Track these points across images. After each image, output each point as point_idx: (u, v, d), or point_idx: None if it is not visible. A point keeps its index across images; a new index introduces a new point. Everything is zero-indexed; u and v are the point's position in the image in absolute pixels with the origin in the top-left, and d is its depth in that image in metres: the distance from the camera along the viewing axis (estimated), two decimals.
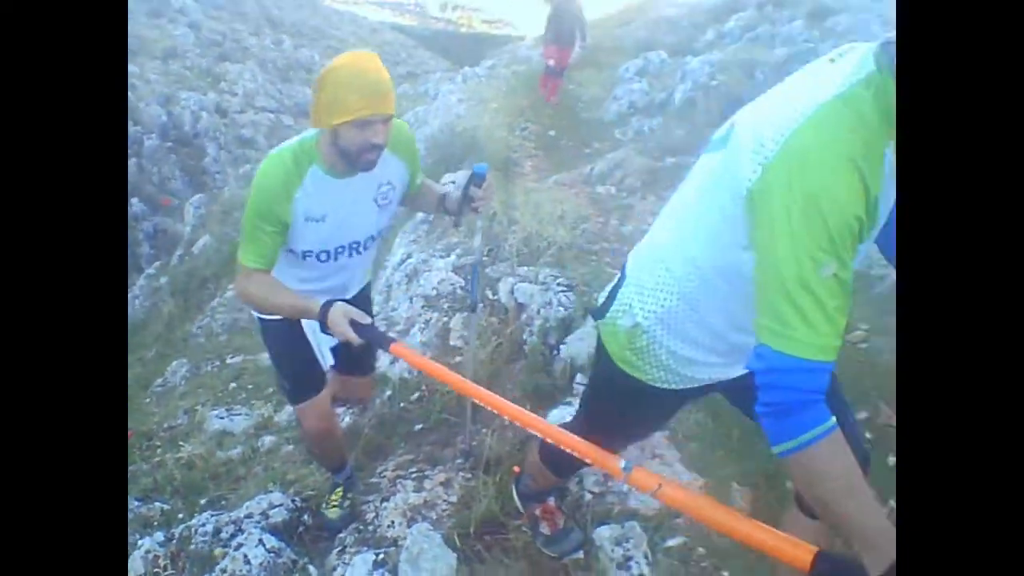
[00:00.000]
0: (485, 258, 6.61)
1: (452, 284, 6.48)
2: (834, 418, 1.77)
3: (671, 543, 3.61)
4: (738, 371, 2.50)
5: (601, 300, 2.64)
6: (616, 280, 2.60)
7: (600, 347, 2.66)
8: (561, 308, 5.42)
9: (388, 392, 5.33)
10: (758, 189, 1.82)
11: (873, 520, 1.71)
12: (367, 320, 3.17)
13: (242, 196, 14.74)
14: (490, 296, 6.09)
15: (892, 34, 1.72)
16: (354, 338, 3.09)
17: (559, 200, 7.94)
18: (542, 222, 6.92)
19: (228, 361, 8.12)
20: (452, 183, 8.21)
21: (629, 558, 3.44)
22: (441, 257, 7.02)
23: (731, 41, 17.38)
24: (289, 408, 5.83)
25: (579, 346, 4.89)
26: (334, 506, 4.14)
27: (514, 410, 2.81)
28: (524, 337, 5.43)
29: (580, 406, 3.19)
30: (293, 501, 4.23)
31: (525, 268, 6.26)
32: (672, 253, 2.28)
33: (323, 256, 3.44)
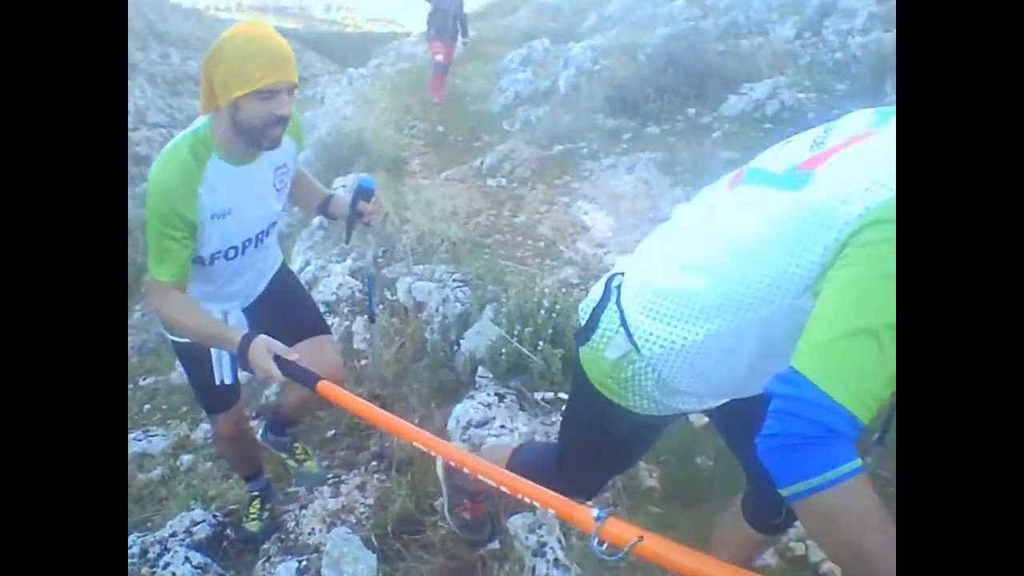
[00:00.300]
0: (380, 259, 6.68)
1: (351, 288, 6.52)
2: (859, 460, 1.50)
3: None
4: (722, 401, 2.40)
5: (583, 320, 2.39)
6: (599, 301, 2.33)
7: (578, 369, 2.43)
8: (458, 304, 5.50)
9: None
10: (854, 240, 1.62)
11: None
12: (293, 356, 2.91)
13: (141, 214, 14.47)
14: (389, 297, 6.16)
15: None
16: (278, 376, 2.87)
17: (450, 196, 8.01)
18: (434, 219, 7.00)
19: (141, 383, 8.05)
20: (343, 187, 8.24)
21: (543, 544, 3.48)
22: (338, 262, 7.05)
23: (613, 24, 17.62)
24: (205, 426, 5.84)
25: (477, 340, 4.97)
26: (253, 519, 4.11)
27: (461, 454, 2.55)
28: (425, 335, 5.50)
29: (559, 433, 3.01)
30: (215, 516, 4.24)
31: (421, 266, 6.33)
32: (705, 290, 1.99)
33: (231, 253, 3.22)
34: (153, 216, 2.89)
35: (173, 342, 3.49)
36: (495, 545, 3.61)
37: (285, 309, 3.65)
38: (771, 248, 1.83)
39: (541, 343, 4.59)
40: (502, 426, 4.24)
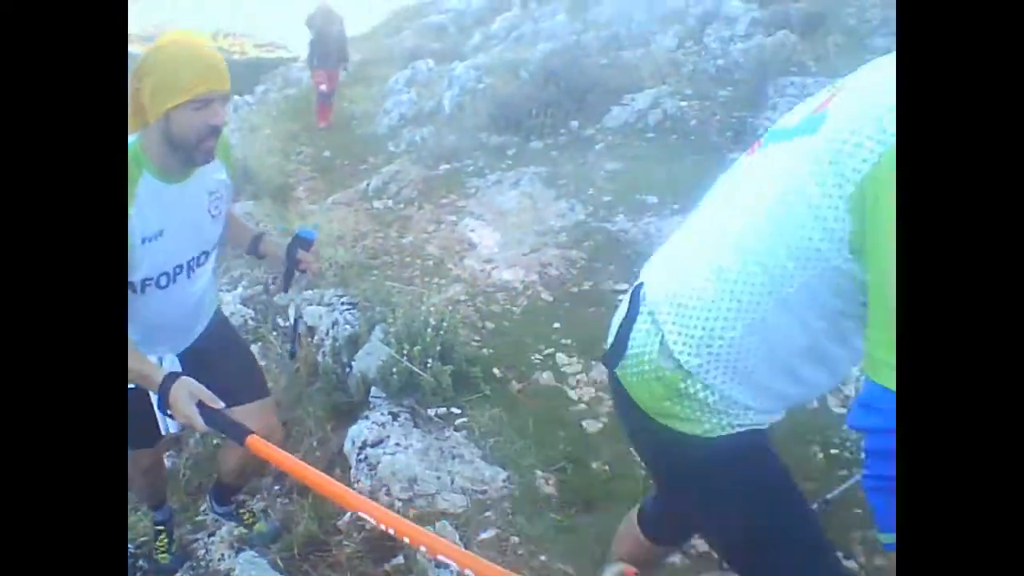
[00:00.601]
0: (272, 286, 6.71)
1: (243, 316, 6.50)
2: None
3: (484, 536, 3.74)
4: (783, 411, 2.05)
5: (609, 342, 2.15)
6: (624, 316, 2.10)
7: (624, 402, 2.09)
8: (348, 326, 5.53)
9: (196, 434, 5.34)
10: (874, 179, 1.47)
11: None
12: (219, 404, 2.67)
13: None
14: (281, 323, 6.19)
15: None
16: (199, 425, 2.63)
17: (337, 220, 8.06)
18: (322, 244, 6.98)
19: None
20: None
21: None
22: (229, 291, 7.04)
23: (497, 43, 17.76)
24: None
25: (368, 360, 5.01)
26: (163, 552, 4.06)
27: (422, 534, 2.18)
28: (318, 359, 5.54)
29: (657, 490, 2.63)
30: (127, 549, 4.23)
31: (311, 291, 6.36)
32: (735, 271, 1.79)
33: (163, 280, 2.99)
34: None
35: None
36: (399, 560, 3.64)
37: (222, 367, 3.36)
38: (794, 205, 1.65)
39: (430, 360, 4.67)
40: (396, 444, 4.29)
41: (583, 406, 4.82)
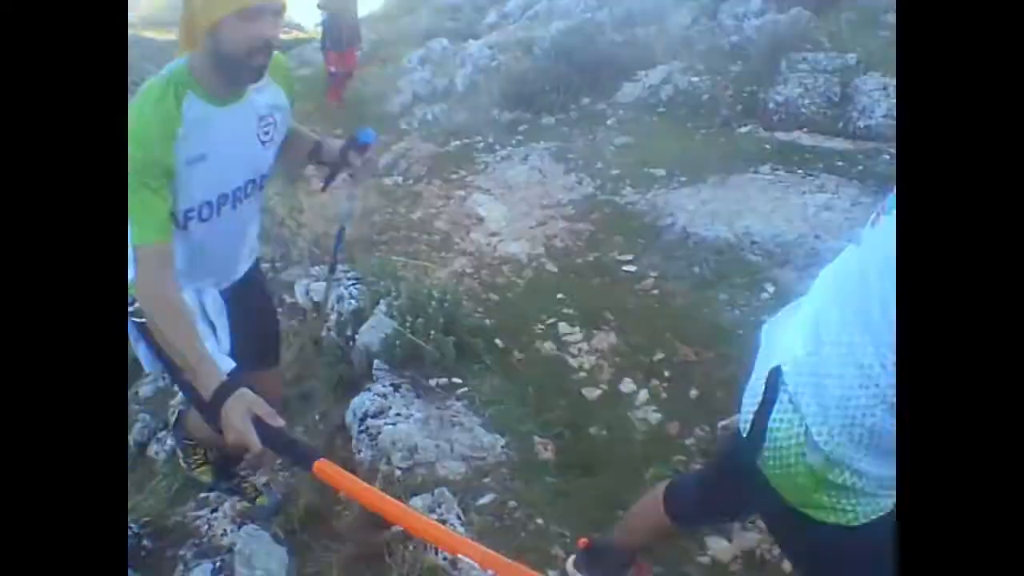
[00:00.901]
0: (278, 263, 6.74)
1: None
2: None
3: (482, 501, 3.77)
4: None
5: (745, 428, 2.07)
6: (761, 401, 2.02)
7: (763, 492, 2.04)
8: (353, 301, 5.57)
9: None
10: None
11: None
12: (279, 422, 2.36)
13: None
14: (287, 299, 6.22)
15: None
16: (255, 447, 2.29)
17: (343, 196, 8.03)
18: (329, 221, 7.02)
19: None
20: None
21: (444, 521, 3.54)
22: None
23: (512, 21, 17.70)
24: None
25: (372, 334, 5.05)
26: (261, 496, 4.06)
27: (459, 541, 2.14)
28: (322, 333, 5.58)
29: None
30: (131, 529, 4.26)
31: (317, 268, 6.40)
32: (876, 359, 1.70)
33: (205, 212, 2.81)
34: (132, 166, 2.40)
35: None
36: (399, 528, 3.66)
37: (253, 324, 3.30)
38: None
39: (433, 332, 4.70)
40: (398, 414, 4.32)
41: (583, 374, 4.85)
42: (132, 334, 3.03)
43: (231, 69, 2.61)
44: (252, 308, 3.37)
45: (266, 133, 2.92)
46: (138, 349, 3.10)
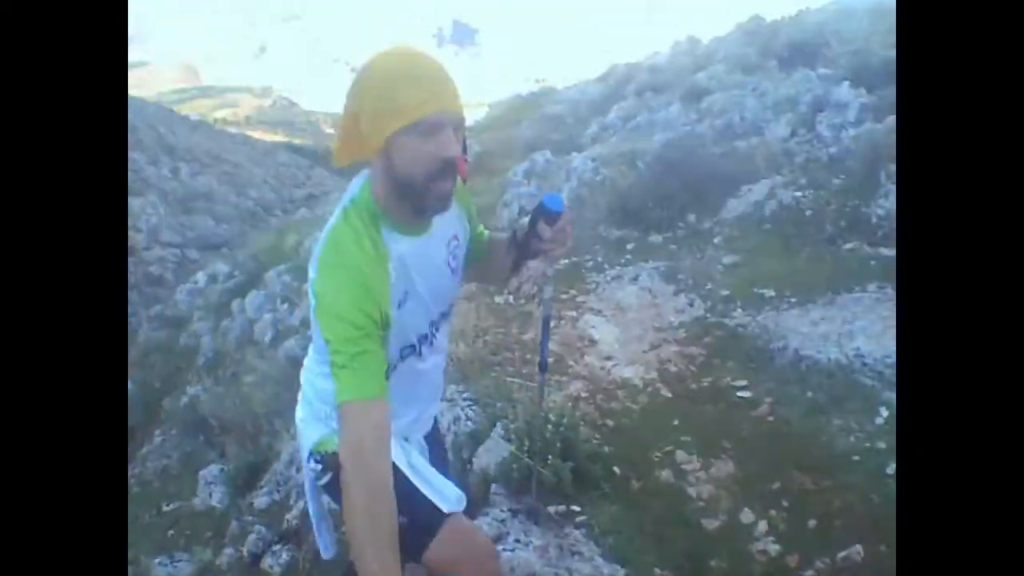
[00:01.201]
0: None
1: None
2: None
3: None
4: None
5: None
6: None
7: None
8: (470, 423, 5.64)
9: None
10: None
11: None
12: None
13: (157, 338, 14.69)
14: None
15: None
16: None
17: (458, 314, 8.18)
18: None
19: (164, 508, 8.20)
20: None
21: None
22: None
23: (613, 132, 17.91)
24: (230, 551, 5.97)
25: (488, 457, 5.12)
26: None
27: None
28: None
29: None
30: None
31: None
32: None
33: (406, 353, 2.57)
34: (340, 314, 2.16)
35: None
36: None
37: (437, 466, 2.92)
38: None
39: (551, 457, 4.73)
40: (516, 540, 4.33)
41: (701, 503, 4.84)
42: (314, 512, 2.86)
43: (412, 197, 2.29)
44: (439, 455, 3.14)
45: (454, 259, 2.65)
46: (319, 530, 2.91)
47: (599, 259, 9.84)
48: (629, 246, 10.18)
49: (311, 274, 2.29)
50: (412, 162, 2.18)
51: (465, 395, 6.07)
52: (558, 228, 2.52)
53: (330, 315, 2.18)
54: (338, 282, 2.22)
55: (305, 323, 10.39)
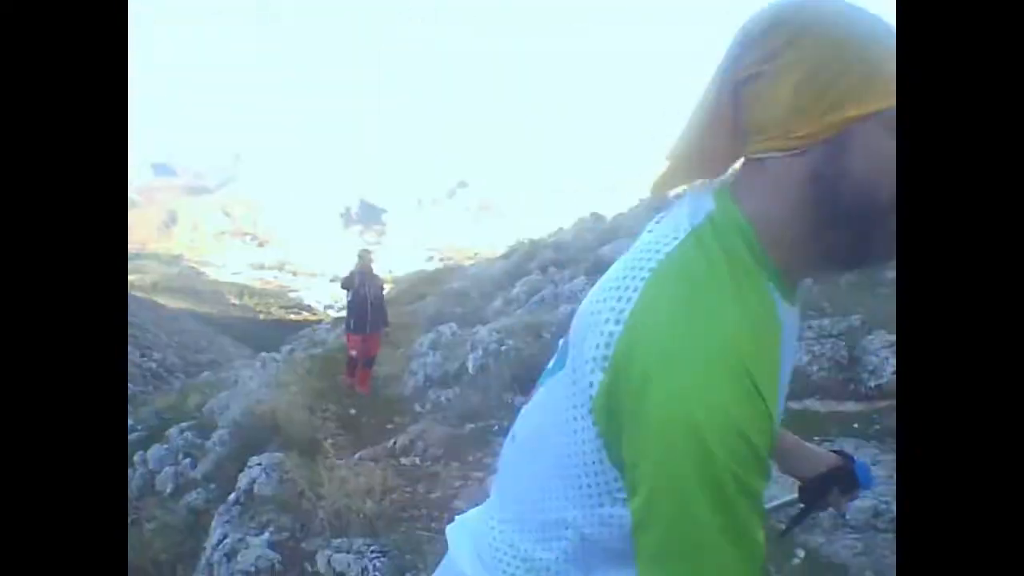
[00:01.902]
0: (299, 534, 6.80)
1: (270, 560, 6.56)
2: None
3: None
4: None
5: None
6: None
7: None
8: (377, 573, 5.58)
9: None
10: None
11: None
12: None
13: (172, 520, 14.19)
14: (308, 569, 6.23)
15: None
16: None
17: (365, 474, 8.15)
18: (350, 496, 7.11)
19: None
20: (258, 465, 8.39)
21: None
22: (256, 535, 7.11)
23: (517, 306, 18.13)
24: None
25: None
26: None
27: None
28: None
29: None
30: None
31: (339, 539, 6.41)
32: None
33: None
34: (739, 429, 1.20)
35: None
36: None
37: None
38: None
39: None
40: None
41: None
42: None
43: (850, 232, 1.32)
44: None
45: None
46: None
47: (504, 424, 9.86)
48: None
49: (603, 350, 1.34)
50: (880, 171, 1.25)
51: (373, 547, 6.01)
52: (852, 496, 1.98)
53: (707, 428, 1.18)
54: (711, 356, 1.23)
55: (208, 477, 10.20)
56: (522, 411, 1.79)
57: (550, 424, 1.51)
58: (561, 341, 1.64)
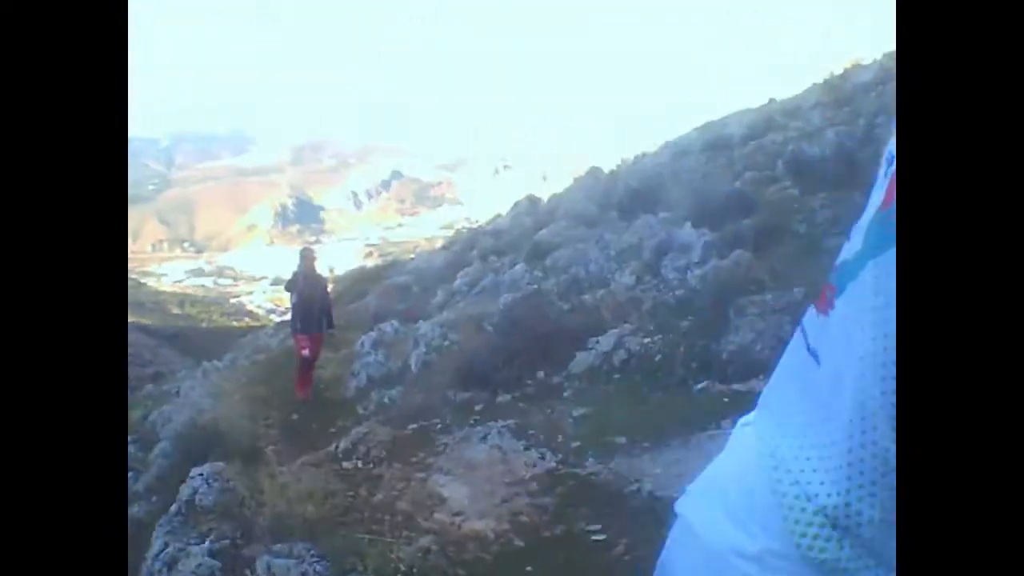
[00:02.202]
0: (239, 540, 6.67)
1: (210, 568, 6.43)
2: None
3: None
4: None
5: None
6: None
7: None
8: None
9: None
10: None
11: None
12: None
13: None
14: (248, 575, 6.11)
15: None
16: None
17: (306, 478, 8.03)
18: (291, 501, 7.00)
19: None
20: (200, 475, 8.25)
21: None
22: (197, 544, 6.98)
23: (460, 298, 18.06)
24: None
25: None
26: None
27: None
28: None
29: None
30: None
31: (279, 545, 6.29)
32: None
33: None
34: None
35: None
36: None
37: None
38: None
39: None
40: None
41: None
42: None
43: None
44: None
45: None
46: None
47: (447, 421, 9.80)
48: (477, 407, 10.17)
49: None
50: None
51: (312, 552, 5.92)
52: None
53: None
54: None
55: (151, 490, 10.01)
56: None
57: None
58: None
